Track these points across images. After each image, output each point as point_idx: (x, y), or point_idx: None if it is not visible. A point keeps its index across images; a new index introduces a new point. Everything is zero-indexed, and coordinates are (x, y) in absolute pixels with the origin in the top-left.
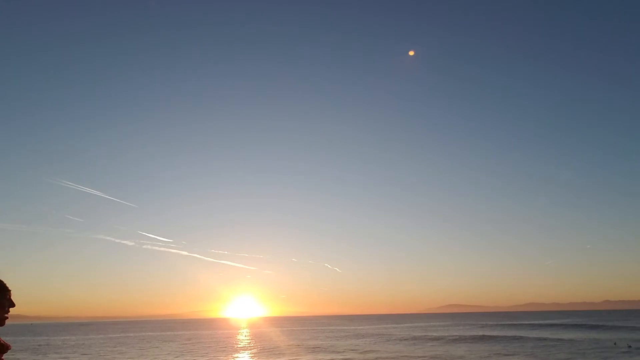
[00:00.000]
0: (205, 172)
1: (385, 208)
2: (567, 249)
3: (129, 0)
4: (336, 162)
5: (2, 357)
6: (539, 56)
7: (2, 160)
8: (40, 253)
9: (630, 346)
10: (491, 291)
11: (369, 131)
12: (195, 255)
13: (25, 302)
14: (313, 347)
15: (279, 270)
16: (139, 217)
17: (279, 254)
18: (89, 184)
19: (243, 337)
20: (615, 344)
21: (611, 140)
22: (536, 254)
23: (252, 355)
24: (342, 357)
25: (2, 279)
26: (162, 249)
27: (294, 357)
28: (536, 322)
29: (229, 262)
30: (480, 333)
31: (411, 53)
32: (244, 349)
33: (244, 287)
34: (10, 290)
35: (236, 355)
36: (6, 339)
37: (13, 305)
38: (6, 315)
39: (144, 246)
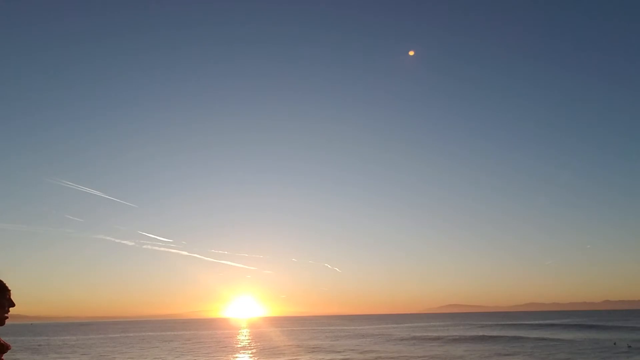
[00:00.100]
0: (205, 172)
1: (385, 208)
2: (567, 249)
3: (129, 0)
4: (336, 162)
5: (2, 357)
6: (539, 56)
7: (2, 160)
8: (40, 253)
9: (630, 346)
10: (491, 291)
11: (369, 131)
12: (195, 255)
13: (25, 302)
14: (313, 347)
15: (279, 270)
16: (139, 217)
17: (279, 254)
18: (89, 184)
19: (243, 337)
20: (615, 344)
21: (611, 140)
22: (536, 254)
23: (252, 355)
24: (342, 357)
25: (2, 279)
26: (162, 249)
27: (294, 357)
28: (536, 322)
29: (229, 262)
30: (480, 333)
31: (411, 53)
32: (244, 349)
33: (244, 287)
34: (10, 290)
35: (236, 355)
36: (6, 339)
37: (13, 305)
38: (6, 315)
39: (144, 246)
